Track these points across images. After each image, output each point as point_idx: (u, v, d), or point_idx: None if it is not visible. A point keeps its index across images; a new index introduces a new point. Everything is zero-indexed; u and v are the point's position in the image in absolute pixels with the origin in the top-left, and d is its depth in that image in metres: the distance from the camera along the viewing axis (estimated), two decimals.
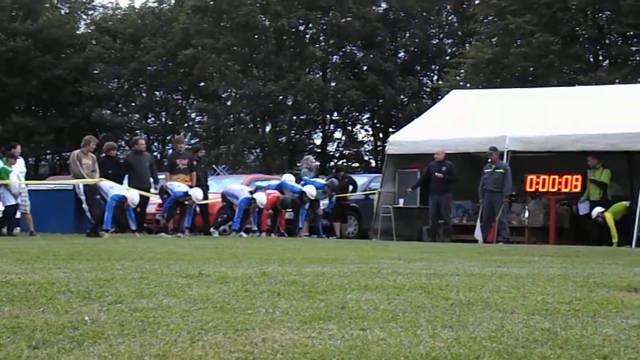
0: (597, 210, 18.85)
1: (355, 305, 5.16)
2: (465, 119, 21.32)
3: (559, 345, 3.90)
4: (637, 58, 36.29)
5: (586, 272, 8.25)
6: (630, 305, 5.47)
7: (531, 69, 35.50)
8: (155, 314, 4.66)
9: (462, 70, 38.59)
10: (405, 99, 45.18)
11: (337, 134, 47.91)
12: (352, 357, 3.57)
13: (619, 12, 34.02)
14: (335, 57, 45.95)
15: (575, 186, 20.26)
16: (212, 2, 43.32)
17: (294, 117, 44.85)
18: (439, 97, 32.05)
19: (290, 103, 44.14)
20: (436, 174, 19.95)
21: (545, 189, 20.42)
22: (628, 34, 35.43)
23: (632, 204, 18.53)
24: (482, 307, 5.20)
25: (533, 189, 20.58)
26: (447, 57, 44.08)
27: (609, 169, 19.37)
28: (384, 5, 45.84)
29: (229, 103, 45.39)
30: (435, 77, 46.19)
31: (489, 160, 19.43)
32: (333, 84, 44.50)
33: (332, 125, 47.47)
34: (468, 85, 35.40)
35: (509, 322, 4.56)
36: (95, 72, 46.71)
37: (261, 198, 20.23)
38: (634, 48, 35.86)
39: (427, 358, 3.58)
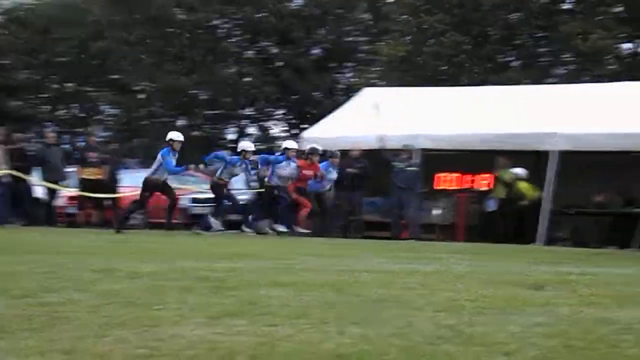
0: (518, 171, 19.17)
1: (266, 301, 5.17)
2: (378, 117, 21.44)
3: (464, 342, 3.96)
4: (547, 59, 36.95)
5: (493, 270, 8.39)
6: (534, 302, 5.58)
7: (443, 68, 35.86)
8: (64, 308, 4.61)
9: (377, 68, 38.76)
10: (320, 95, 45.25)
11: (251, 129, 47.82)
12: (261, 353, 3.57)
13: (529, 13, 34.61)
14: (249, 52, 45.80)
15: (485, 184, 20.54)
16: None
17: (208, 112, 44.58)
18: (353, 94, 32.11)
19: (204, 97, 43.88)
20: (348, 169, 20.02)
21: (455, 187, 20.65)
22: (537, 35, 36.06)
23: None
24: (391, 304, 5.25)
25: (443, 187, 20.81)
26: (362, 55, 44.27)
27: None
28: (299, 1, 45.83)
29: (142, 96, 44.90)
30: (350, 75, 46.33)
31: (403, 157, 19.60)
32: (247, 79, 44.37)
33: (246, 120, 47.32)
34: (383, 83, 35.58)
35: (416, 319, 4.60)
36: (5, 62, 45.74)
37: (247, 145, 20.04)
38: (543, 49, 36.50)
39: (333, 354, 3.60)
